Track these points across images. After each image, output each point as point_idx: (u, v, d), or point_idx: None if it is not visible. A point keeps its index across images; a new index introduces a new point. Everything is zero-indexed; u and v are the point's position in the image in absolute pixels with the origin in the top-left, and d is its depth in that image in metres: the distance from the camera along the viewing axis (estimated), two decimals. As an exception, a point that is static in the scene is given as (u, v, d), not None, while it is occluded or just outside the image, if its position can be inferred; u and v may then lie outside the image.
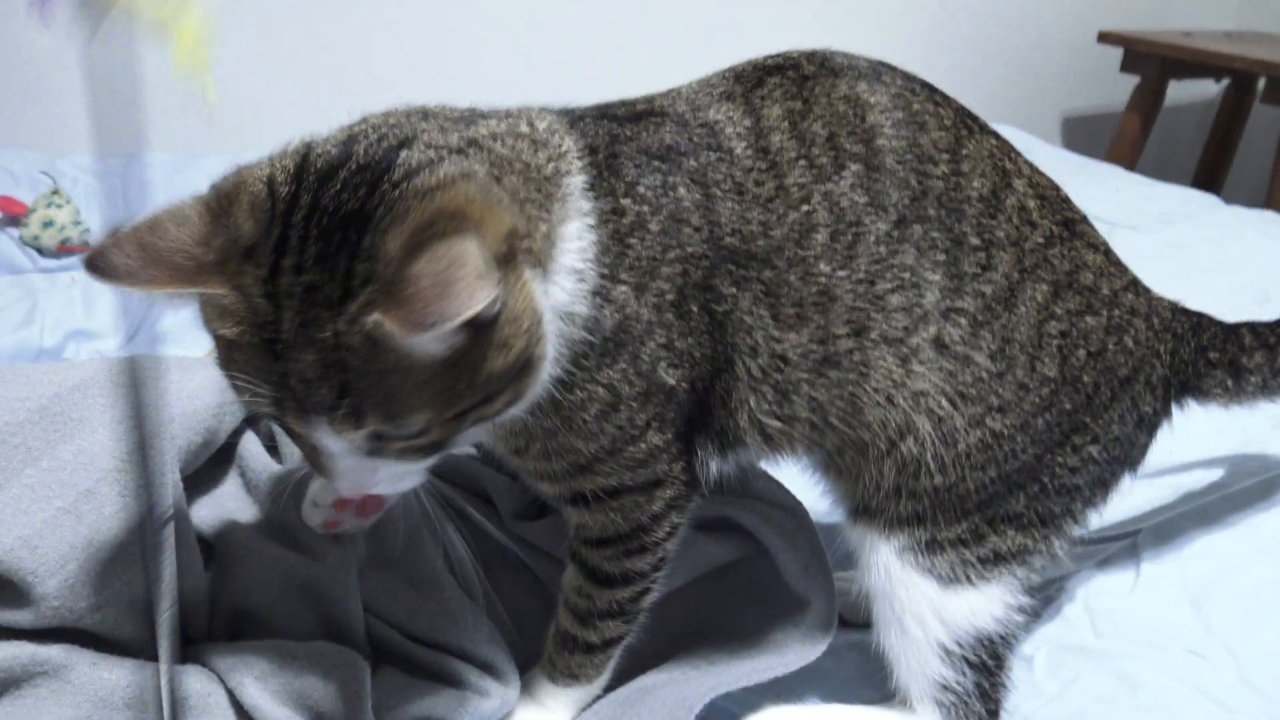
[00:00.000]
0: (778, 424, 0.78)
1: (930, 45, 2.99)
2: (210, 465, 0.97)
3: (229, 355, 0.63)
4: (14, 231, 1.63)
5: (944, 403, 0.77)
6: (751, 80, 0.79)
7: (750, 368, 0.76)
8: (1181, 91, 3.17)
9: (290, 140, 0.67)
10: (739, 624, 0.94)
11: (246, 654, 0.82)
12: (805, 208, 0.75)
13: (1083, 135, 3.36)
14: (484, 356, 0.60)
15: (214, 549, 0.91)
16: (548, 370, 0.68)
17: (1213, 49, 2.73)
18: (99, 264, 0.60)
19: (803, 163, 0.76)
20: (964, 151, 0.79)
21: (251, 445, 1.00)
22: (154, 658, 0.78)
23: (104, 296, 1.47)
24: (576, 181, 0.70)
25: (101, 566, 0.80)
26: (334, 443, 0.63)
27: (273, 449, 1.03)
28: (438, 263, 0.54)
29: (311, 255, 0.59)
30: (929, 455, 0.79)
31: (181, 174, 1.91)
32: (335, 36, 2.22)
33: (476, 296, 0.54)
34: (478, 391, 0.62)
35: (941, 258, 0.77)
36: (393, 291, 0.56)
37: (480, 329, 0.59)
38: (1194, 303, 1.65)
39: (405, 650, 0.88)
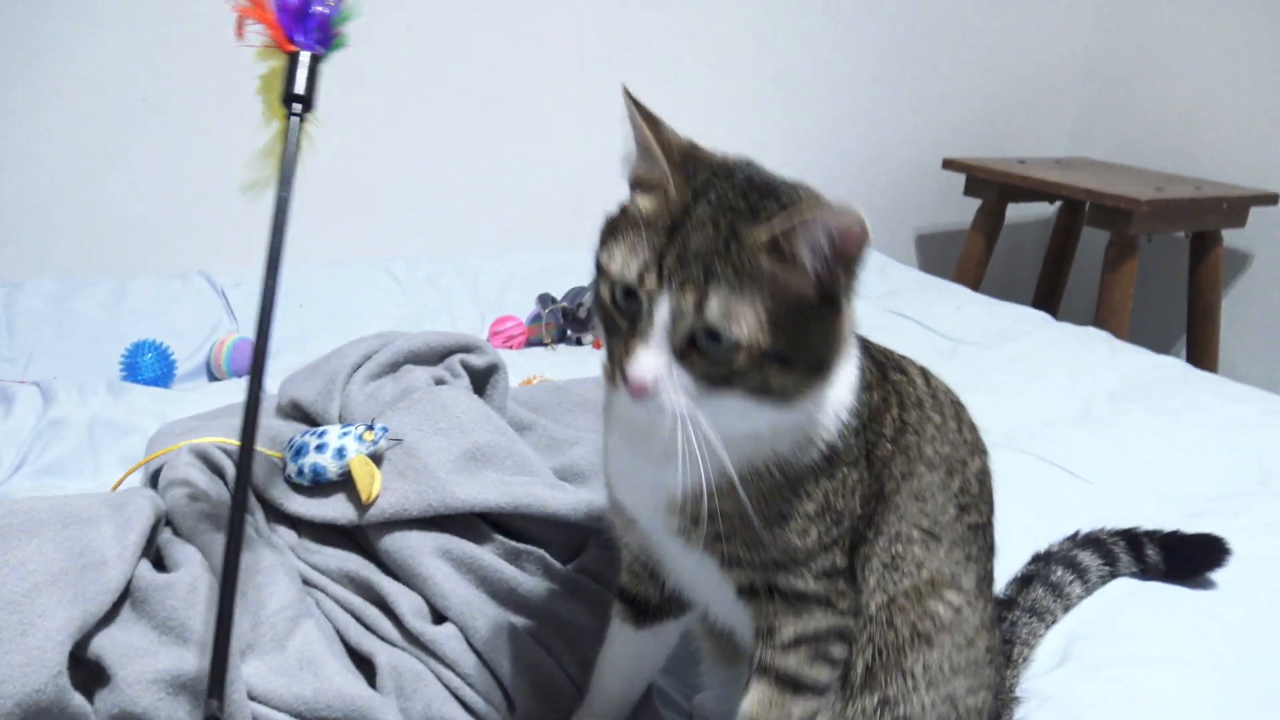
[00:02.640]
0: (883, 595, 0.91)
1: (790, 167, 3.20)
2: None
3: (632, 224, 0.79)
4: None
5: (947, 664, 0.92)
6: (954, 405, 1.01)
7: (884, 546, 0.91)
8: (1022, 212, 3.45)
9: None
10: None
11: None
12: (946, 448, 0.95)
13: (936, 252, 3.61)
14: (813, 320, 0.76)
15: (103, 668, 0.95)
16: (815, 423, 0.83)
17: (1043, 177, 2.99)
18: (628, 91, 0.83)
19: (954, 423, 0.97)
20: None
21: (142, 569, 1.05)
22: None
23: (-9, 428, 1.49)
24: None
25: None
26: (665, 312, 0.75)
27: (158, 564, 1.08)
28: (847, 212, 0.71)
29: (733, 191, 0.78)
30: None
31: (67, 301, 1.94)
32: (224, 162, 2.28)
33: (867, 240, 0.73)
34: (791, 346, 0.75)
35: (981, 572, 0.97)
36: (801, 215, 0.73)
37: (828, 298, 0.76)
38: (1025, 413, 1.83)
39: None
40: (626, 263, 0.77)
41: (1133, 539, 1.31)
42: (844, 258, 0.74)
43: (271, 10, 1.00)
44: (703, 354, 0.75)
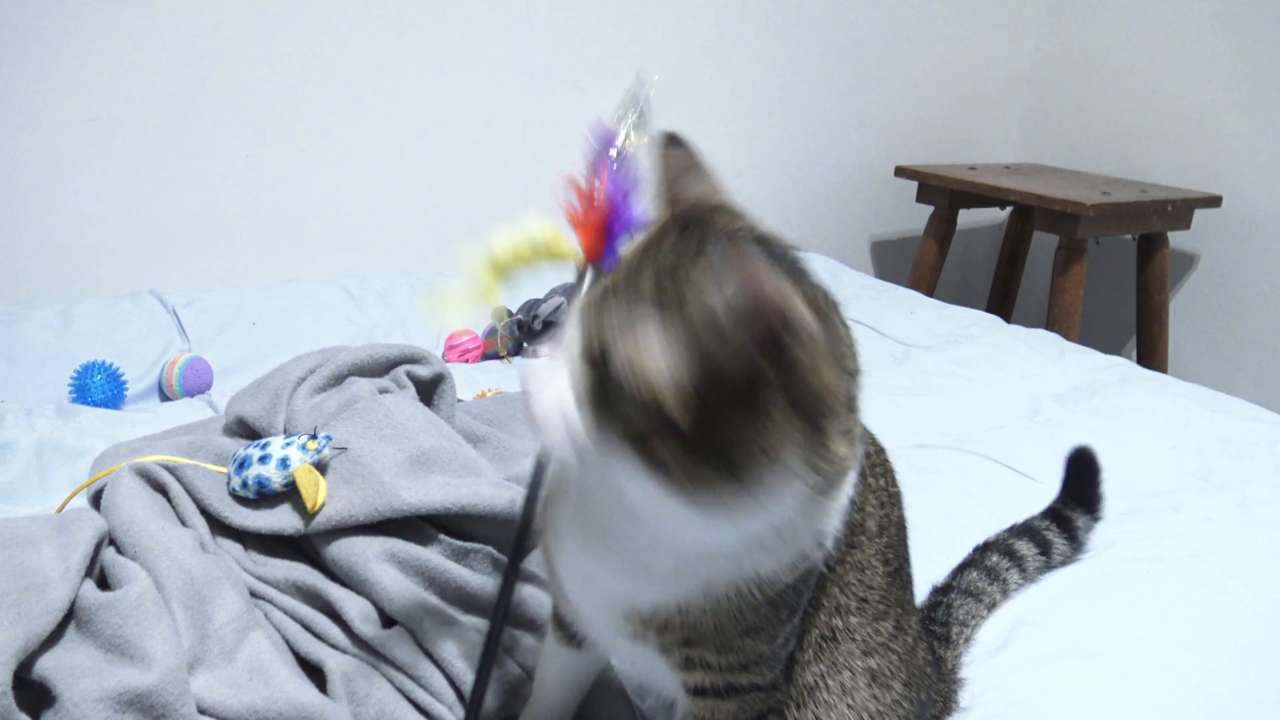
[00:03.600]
0: (809, 677, 0.89)
1: (744, 179, 3.23)
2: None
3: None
4: None
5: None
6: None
7: (825, 619, 0.89)
8: (974, 217, 3.50)
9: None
10: None
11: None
12: (881, 512, 0.92)
13: (891, 259, 3.65)
14: (737, 413, 0.63)
15: (48, 689, 0.95)
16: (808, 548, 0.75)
17: (993, 183, 3.02)
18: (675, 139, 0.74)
19: (884, 480, 0.94)
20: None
21: (86, 589, 1.04)
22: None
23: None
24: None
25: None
26: (577, 340, 0.67)
27: (102, 583, 1.08)
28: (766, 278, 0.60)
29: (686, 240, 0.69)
30: None
31: (14, 324, 1.92)
32: (174, 182, 2.28)
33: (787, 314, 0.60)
34: (701, 428, 0.63)
35: (899, 611, 0.95)
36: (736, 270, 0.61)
37: (759, 393, 0.63)
38: (974, 415, 1.85)
39: None
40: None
41: (1056, 515, 1.36)
42: (771, 347, 0.61)
43: (595, 226, 0.91)
44: (605, 400, 0.65)
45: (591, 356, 0.65)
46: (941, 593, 1.23)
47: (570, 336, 0.67)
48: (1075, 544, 1.36)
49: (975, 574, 1.25)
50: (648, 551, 0.74)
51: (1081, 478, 1.37)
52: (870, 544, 0.90)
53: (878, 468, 0.95)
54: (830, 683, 0.89)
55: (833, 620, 0.88)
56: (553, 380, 0.67)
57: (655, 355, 0.62)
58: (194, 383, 1.85)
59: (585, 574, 0.82)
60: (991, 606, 1.24)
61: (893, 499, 0.96)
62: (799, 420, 0.64)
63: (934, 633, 1.15)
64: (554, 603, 1.00)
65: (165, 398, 1.87)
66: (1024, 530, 1.34)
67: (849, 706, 0.90)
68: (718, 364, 0.62)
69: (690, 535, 0.70)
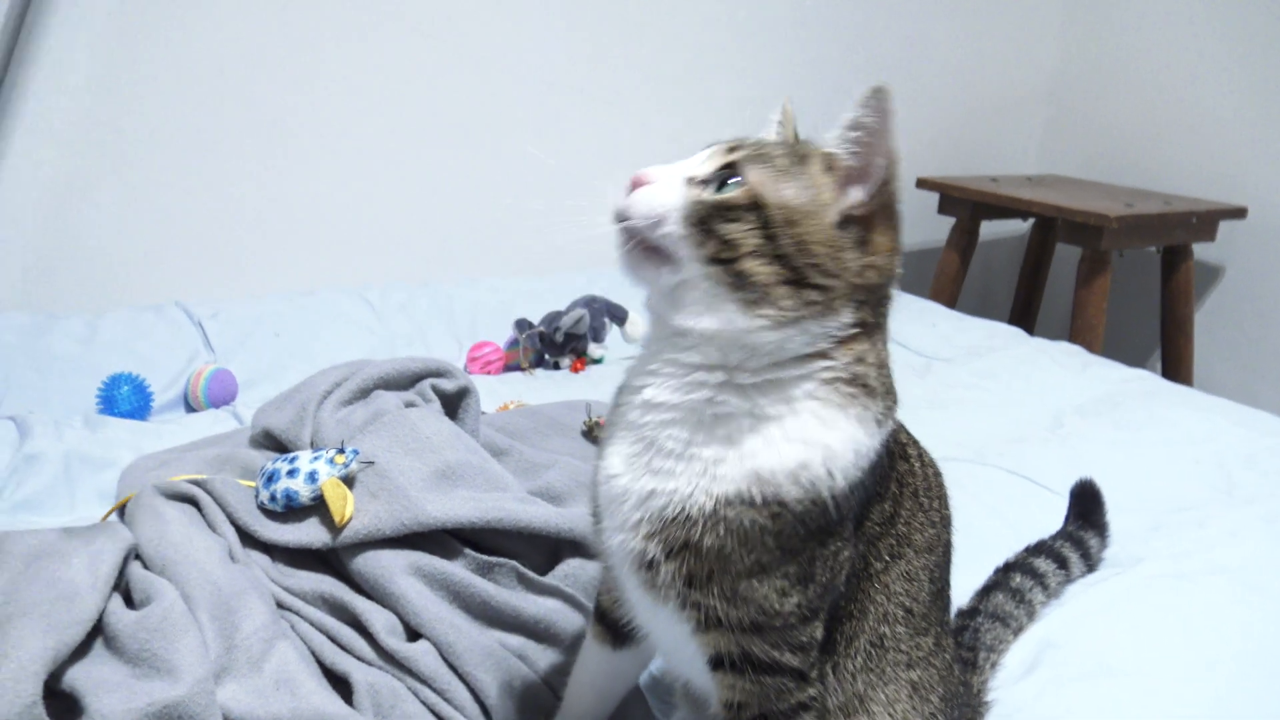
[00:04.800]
0: (859, 686, 0.91)
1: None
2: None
3: None
4: None
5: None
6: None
7: (873, 625, 0.90)
8: (996, 229, 3.48)
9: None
10: None
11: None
12: (931, 531, 0.95)
13: (912, 270, 3.60)
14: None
15: (77, 700, 0.96)
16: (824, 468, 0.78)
17: (1015, 194, 3.01)
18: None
19: (937, 503, 0.97)
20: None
21: (113, 605, 1.05)
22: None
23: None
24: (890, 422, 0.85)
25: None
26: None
27: (127, 600, 1.09)
28: None
29: None
30: None
31: (42, 335, 1.94)
32: (197, 194, 2.30)
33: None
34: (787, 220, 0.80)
35: (938, 630, 0.97)
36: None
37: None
38: (996, 428, 1.85)
39: None
40: None
41: (1070, 536, 1.37)
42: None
43: None
44: (704, 226, 0.78)
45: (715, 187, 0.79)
46: (967, 616, 1.23)
47: (688, 170, 0.81)
48: (1090, 561, 1.37)
49: (1001, 596, 1.25)
50: (659, 428, 0.82)
51: (1089, 508, 1.40)
52: (918, 558, 0.92)
53: (933, 490, 0.96)
54: (878, 693, 0.91)
55: (880, 627, 0.90)
56: (664, 187, 0.80)
57: (795, 193, 0.80)
58: (219, 394, 1.87)
59: (616, 489, 0.85)
60: (1018, 631, 1.24)
61: (944, 521, 0.98)
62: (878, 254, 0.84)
63: (961, 658, 1.15)
64: (600, 586, 1.01)
65: (191, 409, 1.88)
66: (1040, 549, 1.34)
67: (890, 716, 0.91)
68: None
69: (751, 335, 0.78)
